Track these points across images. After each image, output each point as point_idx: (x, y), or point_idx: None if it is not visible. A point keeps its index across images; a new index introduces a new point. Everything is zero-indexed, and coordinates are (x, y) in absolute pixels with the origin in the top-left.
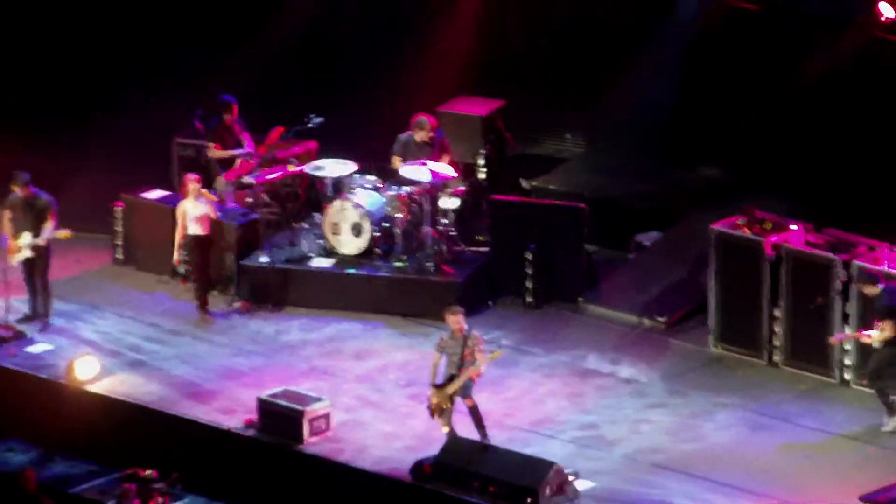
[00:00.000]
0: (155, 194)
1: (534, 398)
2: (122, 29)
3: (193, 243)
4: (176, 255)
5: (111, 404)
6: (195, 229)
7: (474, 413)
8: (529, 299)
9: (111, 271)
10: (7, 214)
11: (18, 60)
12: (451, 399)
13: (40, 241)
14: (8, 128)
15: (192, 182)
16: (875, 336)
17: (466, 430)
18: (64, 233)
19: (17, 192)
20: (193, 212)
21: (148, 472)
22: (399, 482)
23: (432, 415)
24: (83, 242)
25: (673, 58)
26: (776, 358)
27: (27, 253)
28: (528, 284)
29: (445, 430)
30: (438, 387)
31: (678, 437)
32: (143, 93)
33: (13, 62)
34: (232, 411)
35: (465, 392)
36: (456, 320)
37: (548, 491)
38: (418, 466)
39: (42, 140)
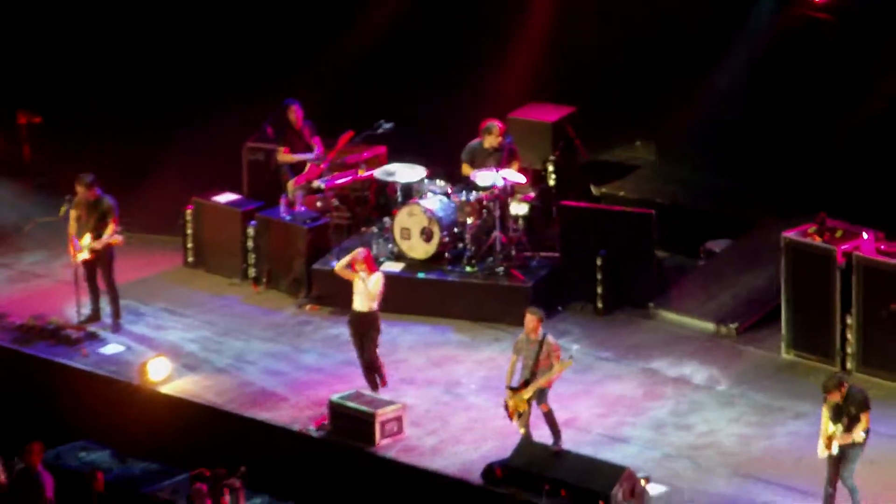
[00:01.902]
0: (225, 198)
1: (604, 403)
2: (196, 35)
3: None
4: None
5: (183, 406)
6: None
7: (549, 418)
8: (599, 305)
9: (182, 274)
10: (73, 214)
11: (97, 67)
12: (527, 403)
13: (97, 245)
14: (85, 132)
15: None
16: None
17: (543, 433)
18: (117, 239)
19: (81, 193)
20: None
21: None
22: (470, 485)
23: (510, 417)
24: (155, 245)
25: (745, 67)
26: (849, 365)
27: (85, 254)
28: (599, 290)
29: (522, 431)
30: (514, 390)
31: (749, 443)
32: (215, 98)
33: (92, 68)
34: (303, 413)
35: (540, 398)
36: (532, 320)
37: (620, 495)
38: (489, 469)
39: (117, 144)
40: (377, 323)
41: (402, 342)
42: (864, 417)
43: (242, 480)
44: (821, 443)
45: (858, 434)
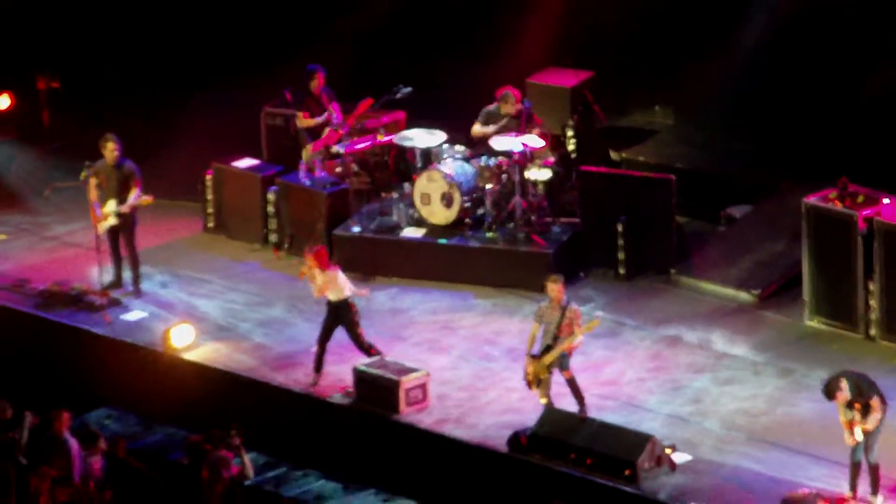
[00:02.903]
0: (245, 163)
1: (627, 370)
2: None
3: None
4: None
5: (207, 372)
6: None
7: (572, 385)
8: (621, 271)
9: (202, 239)
10: (93, 182)
11: (116, 31)
12: (548, 369)
13: (124, 209)
14: (104, 97)
15: None
16: None
17: (565, 401)
18: (146, 199)
19: (105, 153)
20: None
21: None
22: (495, 453)
23: (529, 385)
24: (175, 211)
25: (766, 31)
26: (872, 332)
27: (112, 221)
28: (620, 256)
29: (543, 401)
30: (535, 357)
31: (773, 411)
32: (234, 63)
33: (111, 33)
34: (326, 380)
35: (563, 364)
36: (556, 288)
37: (646, 463)
38: (514, 437)
39: (136, 109)
40: (353, 309)
41: (422, 308)
42: (874, 403)
43: (239, 436)
44: (845, 432)
45: (876, 417)
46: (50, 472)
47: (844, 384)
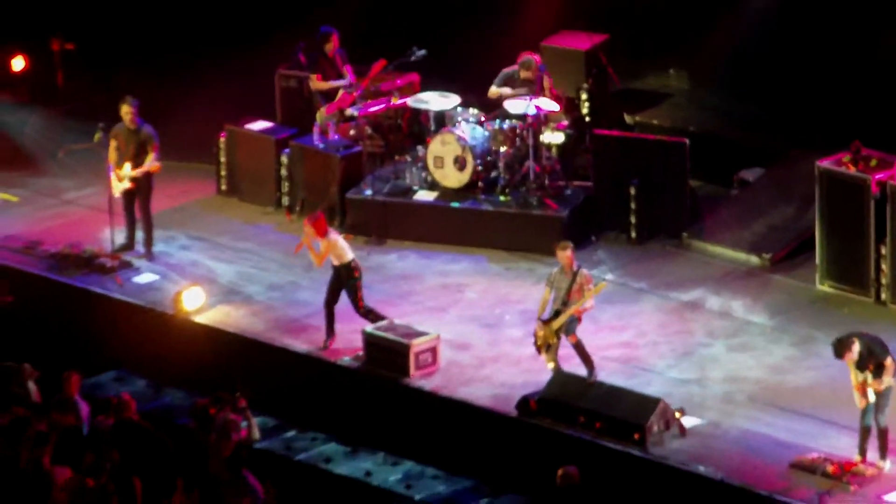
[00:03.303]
0: (258, 125)
1: (638, 334)
2: None
3: None
4: None
5: (218, 335)
6: None
7: (579, 349)
8: (633, 234)
9: (215, 202)
10: (112, 144)
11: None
12: (556, 335)
13: (136, 173)
14: (118, 58)
15: None
16: None
17: (575, 366)
18: (155, 165)
19: (124, 115)
20: None
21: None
22: (505, 417)
23: (539, 351)
24: (188, 173)
25: None
26: (884, 296)
27: (126, 184)
28: (632, 220)
29: (551, 365)
30: (545, 322)
31: (783, 375)
32: (247, 25)
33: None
34: (337, 343)
35: (569, 329)
36: (565, 255)
37: (655, 427)
38: (524, 401)
39: (150, 71)
40: (356, 274)
41: (435, 272)
42: (888, 363)
43: (245, 399)
44: (856, 394)
45: (888, 379)
46: (62, 421)
47: (856, 345)
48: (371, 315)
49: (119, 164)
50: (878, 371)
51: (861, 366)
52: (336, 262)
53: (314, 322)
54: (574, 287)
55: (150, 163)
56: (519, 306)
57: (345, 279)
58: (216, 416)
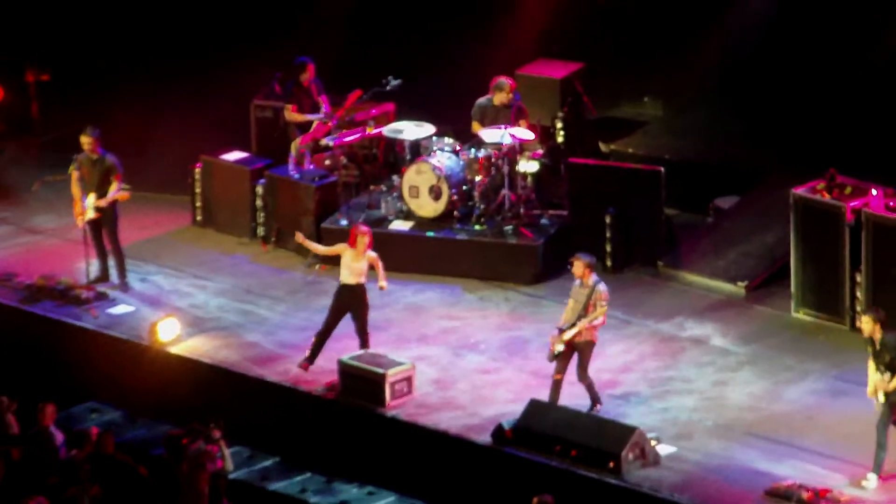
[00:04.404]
0: (233, 156)
1: (614, 362)
2: None
3: None
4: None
5: (193, 366)
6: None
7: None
8: (609, 263)
9: (190, 233)
10: (75, 175)
11: (105, 23)
12: (564, 343)
13: (101, 203)
14: (93, 89)
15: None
16: None
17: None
18: (123, 194)
19: (84, 145)
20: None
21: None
22: (480, 446)
23: (550, 359)
24: (163, 204)
25: (754, 23)
26: (858, 324)
27: (91, 214)
28: (608, 248)
29: (557, 377)
30: (561, 331)
31: (759, 403)
32: (223, 55)
33: (100, 25)
34: (312, 374)
35: (579, 361)
36: (576, 267)
37: (630, 455)
38: (499, 430)
39: (125, 101)
40: (365, 297)
41: (411, 301)
42: None
43: (219, 430)
44: (870, 385)
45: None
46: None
47: (879, 326)
48: (368, 343)
49: (85, 194)
50: (888, 371)
51: (876, 359)
52: (352, 281)
53: (289, 353)
54: (590, 301)
55: (115, 192)
56: (493, 335)
57: (358, 298)
58: (188, 447)
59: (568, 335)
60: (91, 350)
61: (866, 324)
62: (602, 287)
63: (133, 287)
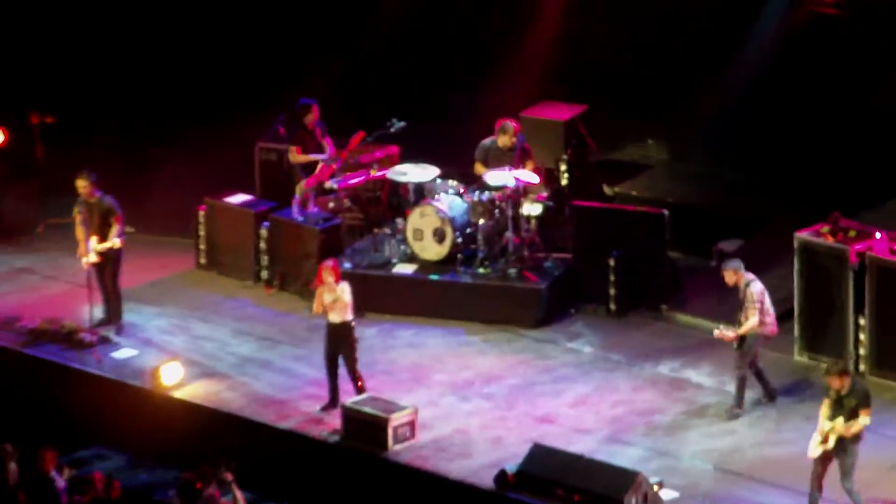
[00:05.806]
0: (238, 198)
1: (618, 406)
2: (208, 35)
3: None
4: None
5: (196, 411)
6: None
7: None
8: (613, 306)
9: (194, 276)
10: (78, 218)
11: (109, 67)
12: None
13: (100, 248)
14: (97, 132)
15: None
16: None
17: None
18: (116, 242)
19: (80, 189)
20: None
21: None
22: (482, 491)
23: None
24: (167, 246)
25: (758, 65)
26: (862, 367)
27: (92, 257)
28: (612, 291)
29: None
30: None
31: (764, 447)
32: (227, 98)
33: (104, 68)
34: (316, 418)
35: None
36: (729, 275)
37: (633, 500)
38: (502, 475)
39: (129, 144)
40: (354, 334)
41: (413, 344)
42: (863, 413)
43: (230, 472)
44: (814, 439)
45: (858, 426)
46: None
47: (849, 378)
48: (360, 383)
49: (88, 237)
50: (850, 419)
51: (837, 408)
52: (336, 320)
53: (292, 396)
54: (745, 304)
55: (112, 239)
56: (496, 379)
57: (343, 337)
58: (202, 491)
59: (734, 334)
60: (94, 395)
61: (836, 380)
62: (753, 288)
63: (137, 332)
